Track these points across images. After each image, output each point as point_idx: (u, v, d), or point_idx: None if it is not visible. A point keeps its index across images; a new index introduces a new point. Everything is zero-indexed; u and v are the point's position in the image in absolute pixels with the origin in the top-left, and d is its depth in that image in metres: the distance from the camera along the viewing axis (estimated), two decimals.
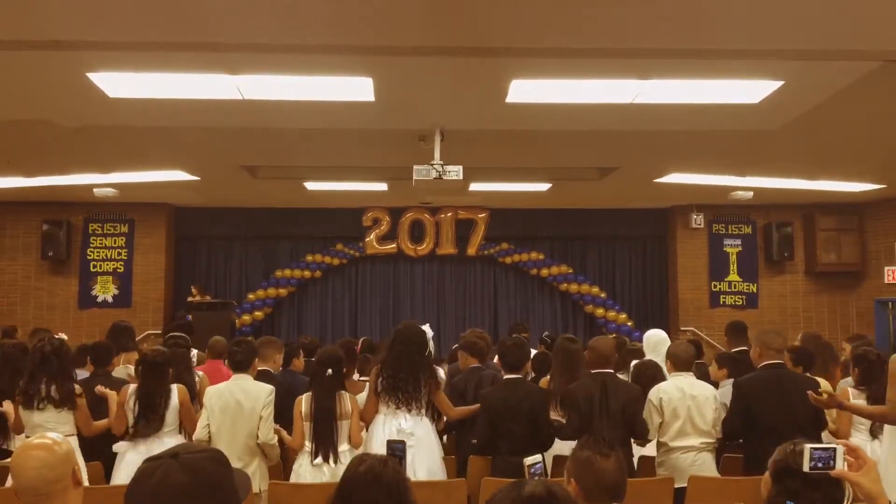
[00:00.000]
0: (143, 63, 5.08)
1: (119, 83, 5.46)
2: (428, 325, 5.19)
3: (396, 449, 3.54)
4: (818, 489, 2.23)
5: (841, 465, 2.10)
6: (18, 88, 5.67)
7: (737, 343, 6.50)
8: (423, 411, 4.90)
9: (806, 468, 2.13)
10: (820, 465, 2.12)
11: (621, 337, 8.92)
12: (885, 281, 11.31)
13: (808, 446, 2.14)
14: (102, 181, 9.49)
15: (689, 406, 4.81)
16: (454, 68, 5.20)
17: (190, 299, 11.36)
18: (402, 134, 6.94)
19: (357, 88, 5.58)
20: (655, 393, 4.89)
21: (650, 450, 5.09)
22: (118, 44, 4.61)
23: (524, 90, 5.62)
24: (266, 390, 4.74)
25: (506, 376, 4.92)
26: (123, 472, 4.58)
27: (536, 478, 3.03)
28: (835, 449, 2.11)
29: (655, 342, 6.45)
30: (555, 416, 5.09)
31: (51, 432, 2.60)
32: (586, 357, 5.07)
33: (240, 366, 4.83)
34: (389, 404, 4.84)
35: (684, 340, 6.39)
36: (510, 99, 5.81)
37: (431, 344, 5.06)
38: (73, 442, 4.49)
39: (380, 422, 4.85)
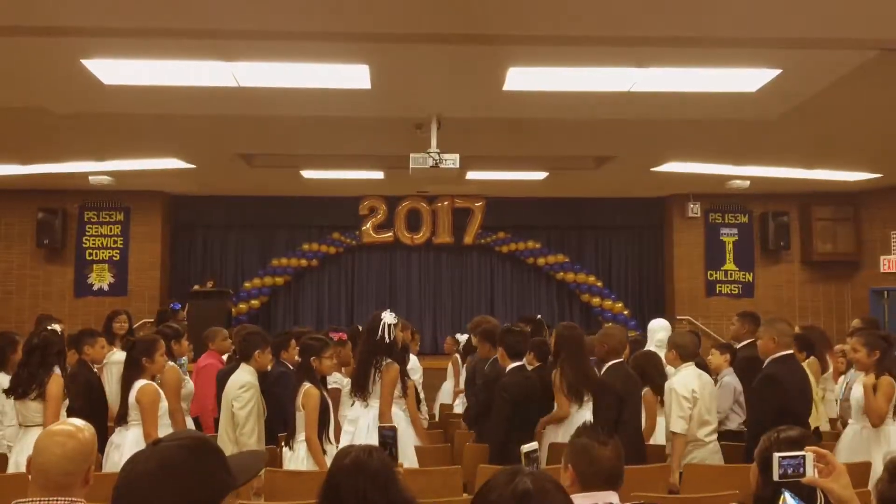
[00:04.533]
0: (138, 50, 5.04)
1: (114, 70, 5.43)
2: (388, 310, 5.20)
3: (387, 437, 3.54)
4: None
5: (811, 472, 2.10)
6: (13, 75, 5.63)
7: (745, 333, 6.34)
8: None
9: (776, 476, 2.12)
10: (790, 471, 2.12)
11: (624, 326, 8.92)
12: (881, 270, 11.34)
13: (776, 455, 2.14)
14: (98, 169, 9.45)
15: (707, 396, 4.88)
16: (451, 56, 5.19)
17: (196, 288, 11.27)
18: (399, 122, 6.92)
19: (353, 76, 5.56)
20: (685, 384, 4.86)
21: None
22: (113, 30, 4.58)
23: (521, 78, 5.61)
24: (236, 383, 4.73)
25: (511, 365, 4.94)
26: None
27: (534, 465, 3.05)
28: (804, 456, 2.11)
29: (663, 335, 6.43)
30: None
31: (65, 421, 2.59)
32: (599, 346, 5.06)
33: (240, 356, 4.89)
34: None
35: (685, 330, 6.36)
36: (507, 87, 5.80)
37: (392, 331, 5.06)
38: None
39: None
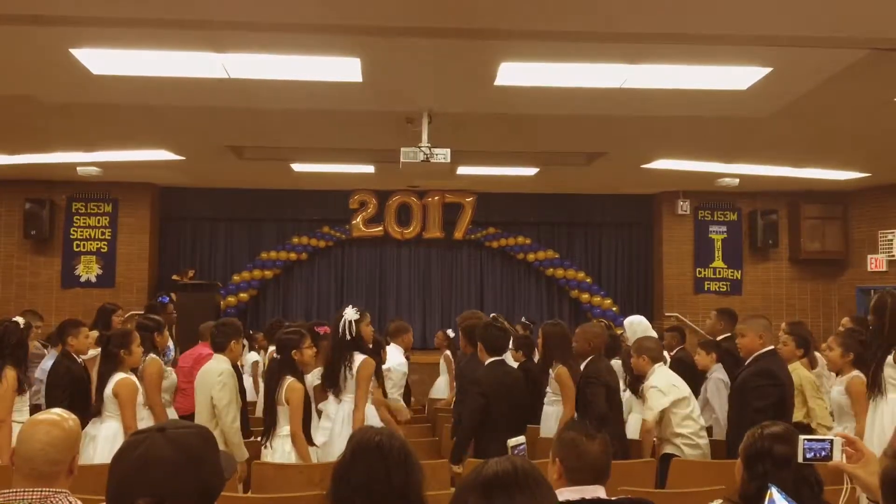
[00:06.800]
0: (128, 39, 5.00)
1: (103, 60, 5.38)
2: (350, 306, 5.27)
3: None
4: (787, 467, 2.25)
5: (839, 457, 2.10)
6: (0, 64, 5.58)
7: (721, 329, 6.54)
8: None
9: (800, 459, 2.13)
10: (808, 455, 2.12)
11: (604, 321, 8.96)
12: (868, 269, 11.42)
13: (802, 437, 2.15)
14: (86, 160, 9.38)
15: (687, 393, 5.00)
16: (443, 50, 5.17)
17: (175, 277, 11.30)
18: (390, 116, 6.90)
19: (345, 69, 5.54)
20: (664, 380, 5.01)
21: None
22: (102, 19, 4.54)
23: (513, 73, 5.60)
24: (214, 371, 4.72)
25: (490, 360, 4.95)
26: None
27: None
28: (831, 440, 2.11)
29: (645, 328, 6.47)
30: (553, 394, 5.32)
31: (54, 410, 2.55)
32: (583, 343, 5.11)
33: (215, 346, 4.91)
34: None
35: (652, 334, 6.38)
36: (499, 82, 5.79)
37: (353, 327, 5.11)
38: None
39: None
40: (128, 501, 1.46)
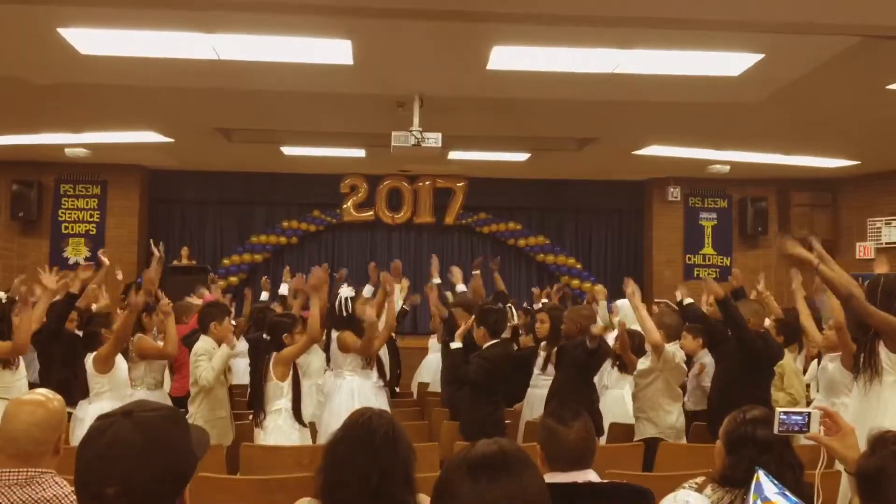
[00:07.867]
0: (117, 19, 4.95)
1: (91, 40, 5.33)
2: (345, 284, 5.42)
3: None
4: (769, 451, 2.27)
5: (816, 429, 2.12)
6: None
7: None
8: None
9: (776, 431, 2.15)
10: (786, 428, 2.14)
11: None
12: (856, 257, 11.48)
13: (778, 409, 2.17)
14: (74, 141, 9.30)
15: None
16: (435, 33, 5.14)
17: (176, 263, 11.20)
18: (381, 99, 6.87)
19: (336, 51, 5.50)
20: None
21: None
22: None
23: (505, 57, 5.58)
24: (194, 352, 4.79)
25: (490, 342, 5.01)
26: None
27: None
28: (808, 413, 2.13)
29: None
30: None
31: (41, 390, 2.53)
32: (571, 325, 5.16)
33: (201, 328, 4.94)
34: None
35: (668, 310, 6.39)
36: (491, 66, 5.77)
37: (348, 304, 5.23)
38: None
39: None
40: (95, 490, 1.41)
